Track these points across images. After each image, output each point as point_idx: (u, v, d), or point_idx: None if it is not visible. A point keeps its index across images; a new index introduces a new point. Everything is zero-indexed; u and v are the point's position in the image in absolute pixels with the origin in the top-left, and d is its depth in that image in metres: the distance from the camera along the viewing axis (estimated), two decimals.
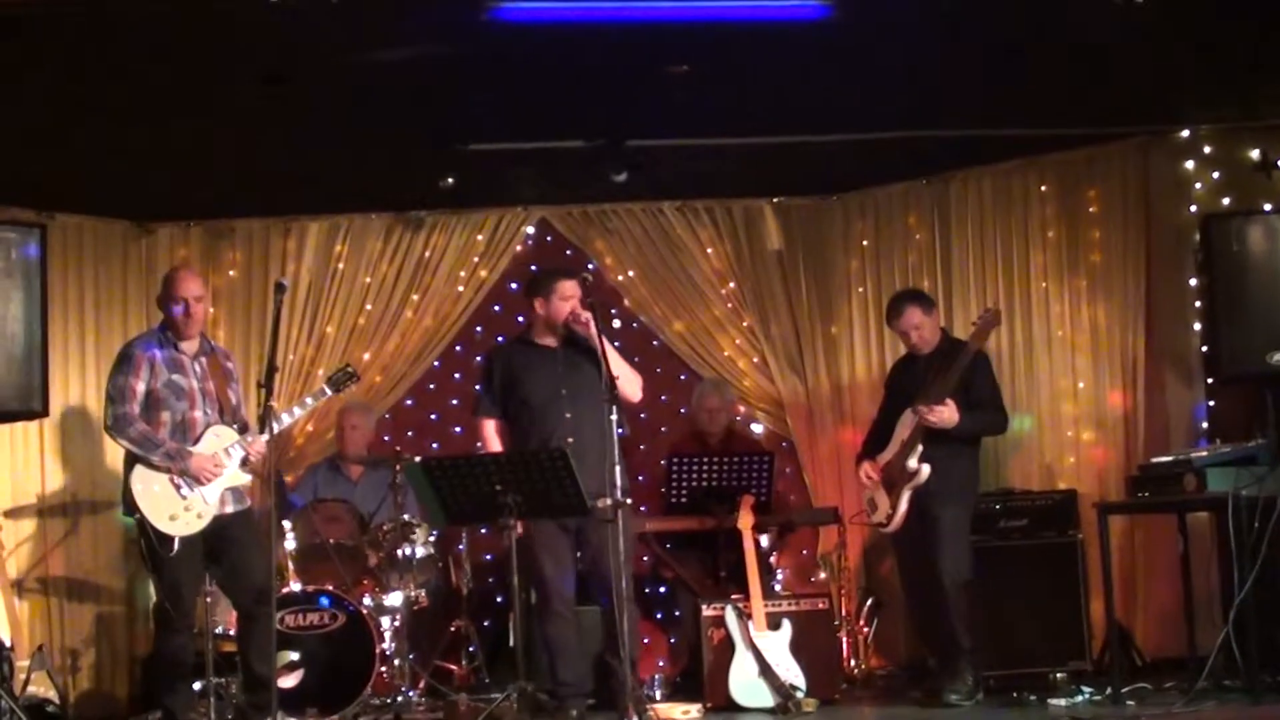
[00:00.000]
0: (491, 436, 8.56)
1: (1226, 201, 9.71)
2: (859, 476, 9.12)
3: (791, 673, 8.70)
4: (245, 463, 7.95)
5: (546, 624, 8.32)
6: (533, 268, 11.07)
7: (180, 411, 7.86)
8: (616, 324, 10.77)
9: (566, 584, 8.32)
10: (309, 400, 8.34)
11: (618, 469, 7.65)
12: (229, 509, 7.90)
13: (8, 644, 8.57)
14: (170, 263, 10.72)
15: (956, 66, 8.53)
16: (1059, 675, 8.94)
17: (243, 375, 9.26)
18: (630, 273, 10.91)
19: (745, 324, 11.05)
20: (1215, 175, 9.82)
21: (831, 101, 9.08)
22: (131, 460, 7.81)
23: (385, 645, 9.18)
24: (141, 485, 7.77)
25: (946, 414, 8.60)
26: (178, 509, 7.73)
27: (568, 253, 11.13)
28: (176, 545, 7.70)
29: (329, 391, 8.35)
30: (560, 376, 8.20)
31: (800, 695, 8.59)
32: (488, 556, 10.80)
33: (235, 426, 7.99)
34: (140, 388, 7.84)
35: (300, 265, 10.81)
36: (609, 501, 7.65)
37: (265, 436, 7.66)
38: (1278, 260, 8.94)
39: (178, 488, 7.76)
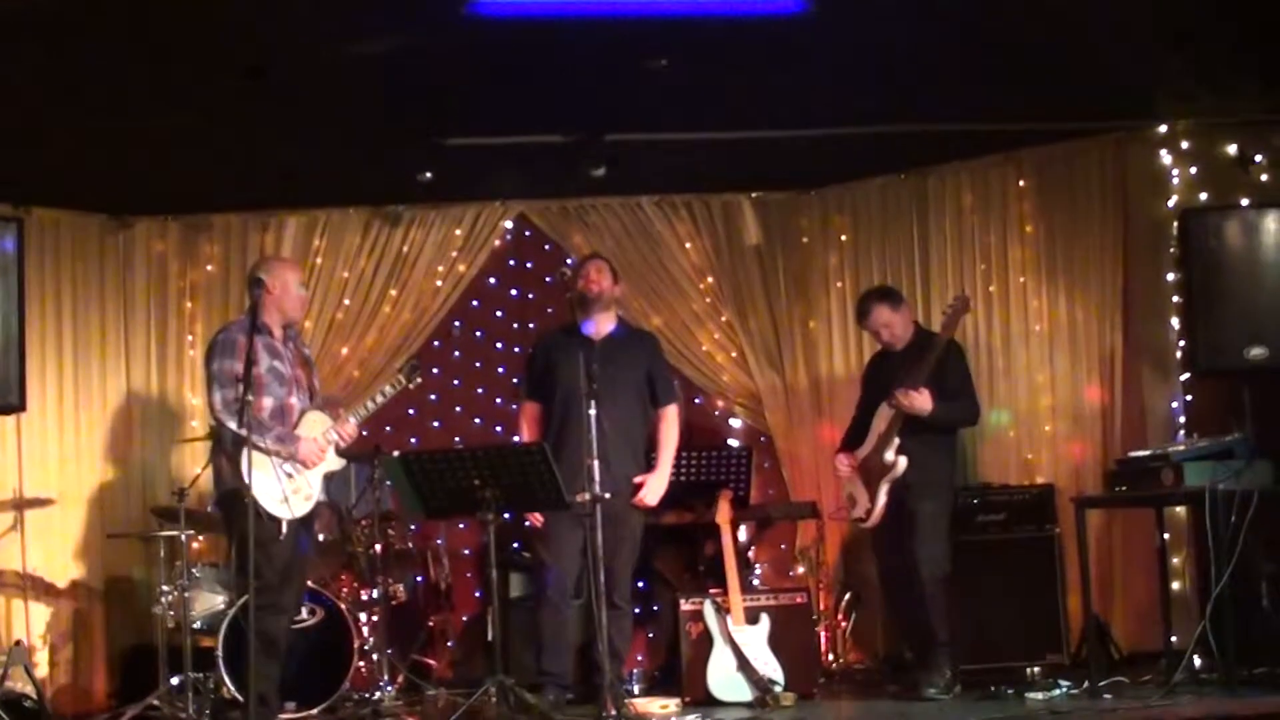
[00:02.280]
0: (525, 421, 8.67)
1: (1204, 196, 9.71)
2: (835, 468, 9.12)
3: (770, 667, 8.71)
4: (337, 448, 8.00)
5: (539, 611, 8.38)
6: (510, 262, 11.15)
7: (279, 397, 7.86)
8: None
9: (567, 576, 8.34)
10: (388, 389, 8.24)
11: (596, 465, 7.67)
12: (323, 496, 7.98)
13: None
14: (148, 257, 10.80)
15: (935, 61, 8.54)
16: (1036, 669, 8.96)
17: None
18: None
19: (723, 319, 11.05)
20: (1193, 170, 9.82)
21: (810, 96, 9.09)
22: (238, 444, 7.62)
23: (364, 640, 9.18)
24: (245, 469, 7.57)
25: (920, 400, 8.59)
26: (287, 492, 7.72)
27: (546, 247, 11.14)
28: (285, 528, 7.72)
29: (404, 382, 8.31)
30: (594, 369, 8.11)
31: (778, 690, 8.59)
32: (466, 551, 10.82)
33: (345, 412, 8.08)
34: (240, 371, 7.70)
35: None
36: (588, 496, 7.68)
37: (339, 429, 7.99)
38: (1255, 255, 8.95)
39: (281, 471, 7.76)
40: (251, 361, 7.58)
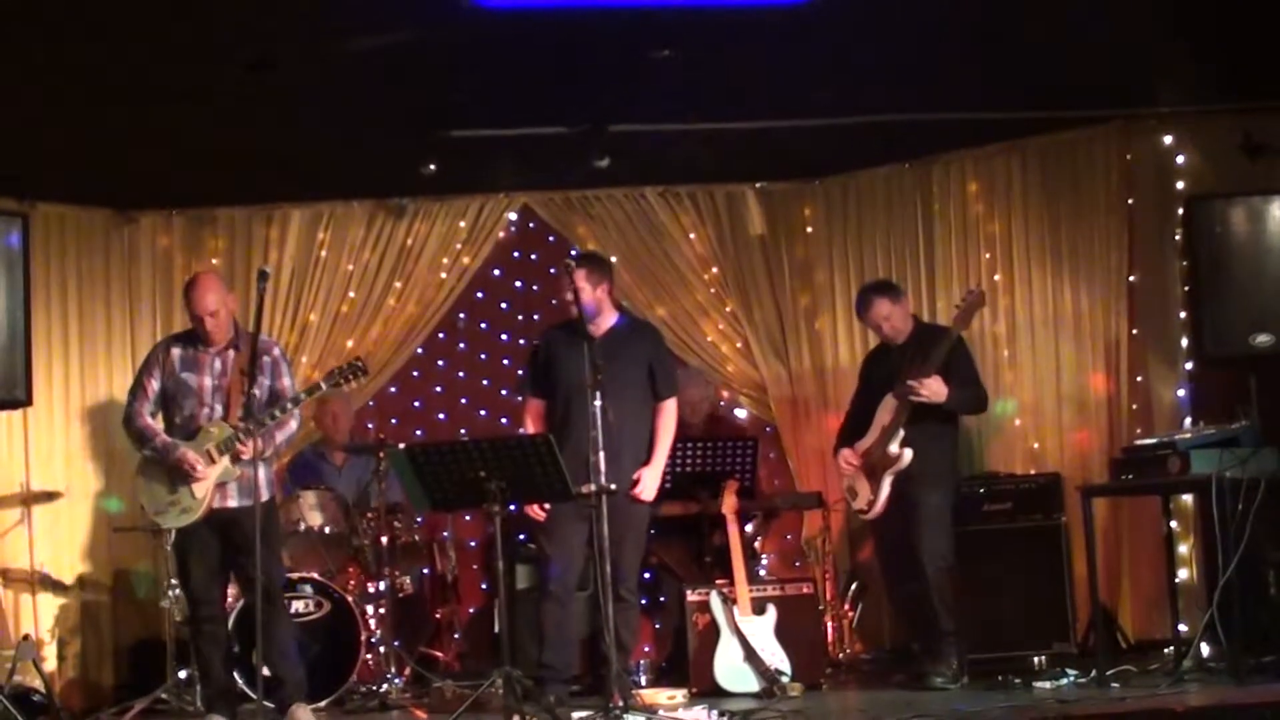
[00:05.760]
0: (529, 419, 8.65)
1: (1209, 184, 9.69)
2: (838, 465, 9.11)
3: (776, 657, 8.71)
4: (237, 459, 7.92)
5: (542, 604, 8.39)
6: (515, 253, 11.15)
7: (189, 408, 7.96)
8: None
9: (569, 569, 8.35)
10: (301, 397, 8.20)
11: (601, 457, 7.68)
12: (231, 503, 7.93)
13: None
14: (153, 251, 10.83)
15: (938, 50, 8.53)
16: (1043, 658, 8.96)
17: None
18: (613, 258, 10.80)
19: (728, 309, 11.05)
20: (1198, 158, 9.82)
21: (813, 86, 9.07)
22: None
23: (370, 632, 9.19)
24: (143, 478, 8.02)
25: (936, 386, 8.59)
26: (164, 503, 7.91)
27: (550, 239, 11.14)
28: (173, 536, 8.02)
29: (323, 385, 8.29)
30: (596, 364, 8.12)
31: (785, 680, 8.60)
32: (472, 543, 10.82)
33: (247, 423, 7.87)
34: (154, 385, 8.06)
35: (283, 253, 10.80)
36: (593, 488, 7.69)
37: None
38: (1260, 242, 8.92)
39: (171, 482, 7.89)
40: (256, 362, 7.76)
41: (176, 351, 8.05)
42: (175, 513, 7.89)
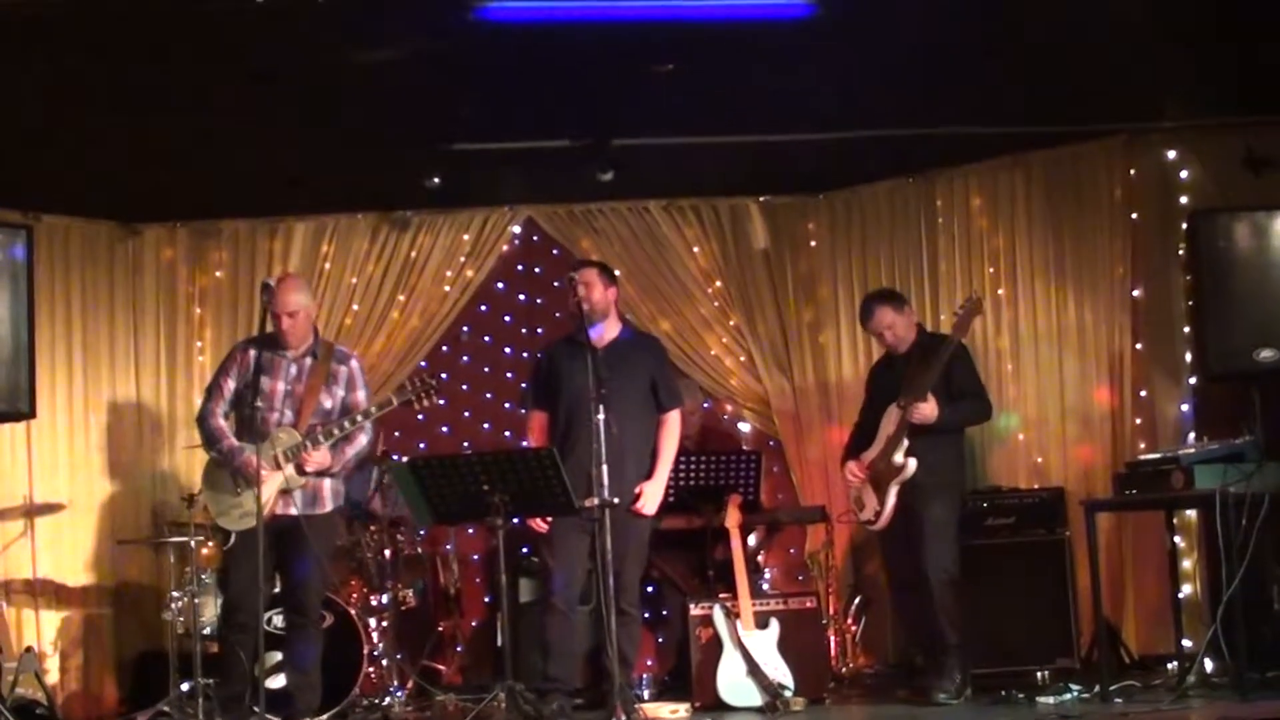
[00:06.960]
0: (532, 431, 8.67)
1: (1213, 198, 9.68)
2: (844, 476, 9.10)
3: (779, 672, 8.69)
4: (302, 470, 8.00)
5: (545, 617, 8.36)
6: (519, 267, 11.15)
7: (259, 412, 7.95)
8: None
9: (572, 582, 8.34)
10: (372, 410, 8.24)
11: (604, 469, 7.68)
12: (294, 510, 7.99)
13: None
14: (157, 263, 10.84)
15: (941, 64, 8.53)
16: (1047, 673, 8.94)
17: None
18: (616, 272, 10.82)
19: (732, 323, 11.05)
20: (1201, 172, 9.81)
21: (816, 100, 9.07)
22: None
23: (373, 645, 9.18)
24: (209, 479, 8.14)
25: (929, 410, 8.58)
26: (227, 506, 7.99)
27: (554, 252, 11.14)
28: (233, 539, 7.97)
29: (394, 401, 8.29)
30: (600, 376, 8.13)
31: (788, 694, 8.57)
32: (475, 556, 10.81)
33: (316, 433, 8.01)
34: (230, 385, 8.16)
35: (287, 265, 10.78)
36: (596, 501, 7.69)
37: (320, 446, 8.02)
38: (1264, 257, 8.92)
39: (235, 486, 7.97)
40: (259, 373, 7.90)
41: (253, 353, 8.09)
42: (237, 516, 7.95)
